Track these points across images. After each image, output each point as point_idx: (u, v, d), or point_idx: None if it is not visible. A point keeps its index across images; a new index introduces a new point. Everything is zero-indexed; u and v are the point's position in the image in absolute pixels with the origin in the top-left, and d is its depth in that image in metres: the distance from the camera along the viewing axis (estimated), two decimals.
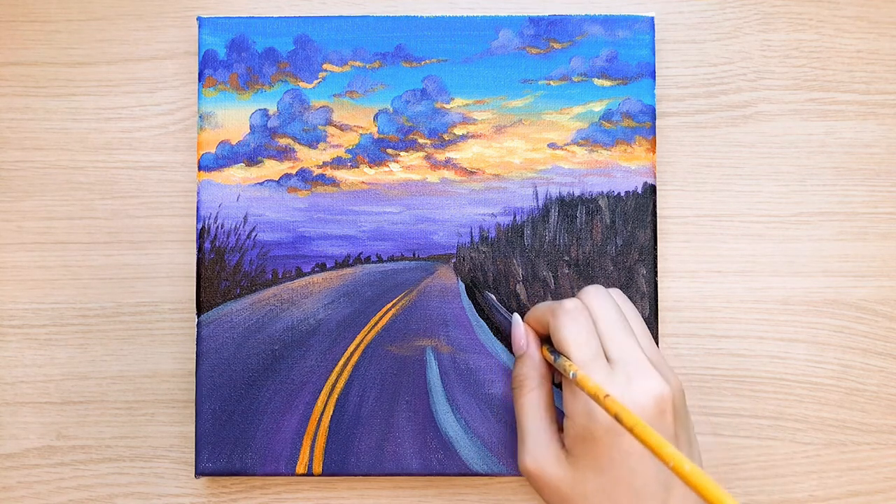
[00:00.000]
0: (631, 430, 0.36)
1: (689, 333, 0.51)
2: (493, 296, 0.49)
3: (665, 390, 0.40)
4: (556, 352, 0.43)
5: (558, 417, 0.44)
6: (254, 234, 0.49)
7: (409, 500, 0.50)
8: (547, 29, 0.50)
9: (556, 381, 0.46)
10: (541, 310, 0.45)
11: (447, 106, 0.50)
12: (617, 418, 0.36)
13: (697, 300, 0.51)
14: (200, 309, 0.49)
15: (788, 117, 0.51)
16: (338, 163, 0.50)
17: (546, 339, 0.46)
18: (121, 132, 0.51)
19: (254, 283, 0.49)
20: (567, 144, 0.49)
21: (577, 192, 0.49)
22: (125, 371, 0.51)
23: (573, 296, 0.48)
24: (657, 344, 0.48)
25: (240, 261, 0.49)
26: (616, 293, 0.45)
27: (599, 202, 0.49)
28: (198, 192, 0.49)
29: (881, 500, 0.50)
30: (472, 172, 0.50)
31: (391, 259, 0.49)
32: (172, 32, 0.52)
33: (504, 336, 0.49)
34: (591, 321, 0.42)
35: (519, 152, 0.50)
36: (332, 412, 0.48)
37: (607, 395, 0.38)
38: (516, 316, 0.47)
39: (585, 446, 0.40)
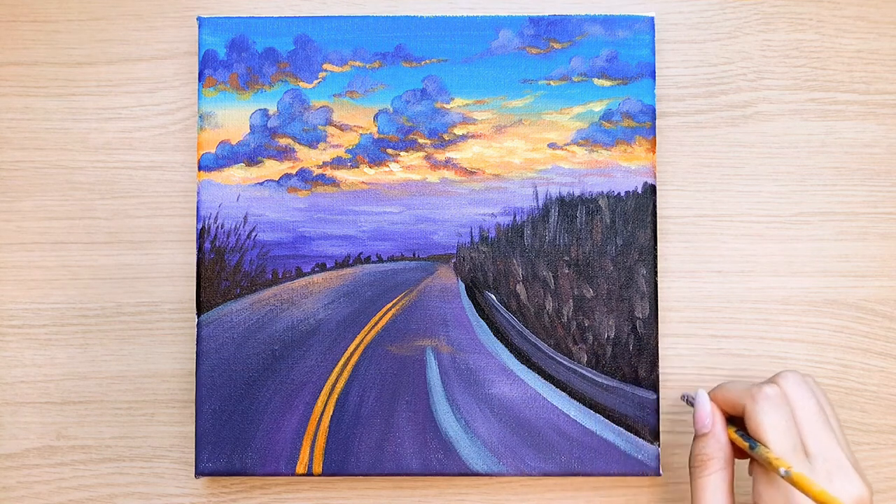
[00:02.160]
0: None
1: (689, 333, 0.51)
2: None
3: (864, 494, 0.39)
4: (751, 438, 0.41)
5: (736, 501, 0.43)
6: (254, 234, 0.49)
7: (409, 500, 0.50)
8: (547, 29, 0.50)
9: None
10: (734, 391, 0.44)
11: (447, 106, 0.50)
12: None
13: (697, 300, 0.51)
14: (200, 309, 0.49)
15: (788, 117, 0.51)
16: (338, 163, 0.50)
17: (731, 419, 0.44)
18: (121, 132, 0.51)
19: (254, 283, 0.49)
20: (567, 144, 0.49)
21: (577, 192, 0.49)
22: (125, 371, 0.51)
23: (573, 295, 0.48)
24: (657, 344, 0.48)
25: (240, 261, 0.49)
26: (811, 380, 0.44)
27: (599, 202, 0.49)
28: (198, 192, 0.49)
29: (881, 500, 0.50)
30: (472, 172, 0.50)
31: (391, 259, 0.49)
32: (172, 32, 0.52)
33: (504, 336, 0.49)
34: (791, 411, 0.41)
35: (519, 152, 0.50)
36: (332, 412, 0.48)
37: (819, 488, 0.37)
38: (702, 392, 0.45)
39: None
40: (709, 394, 0.45)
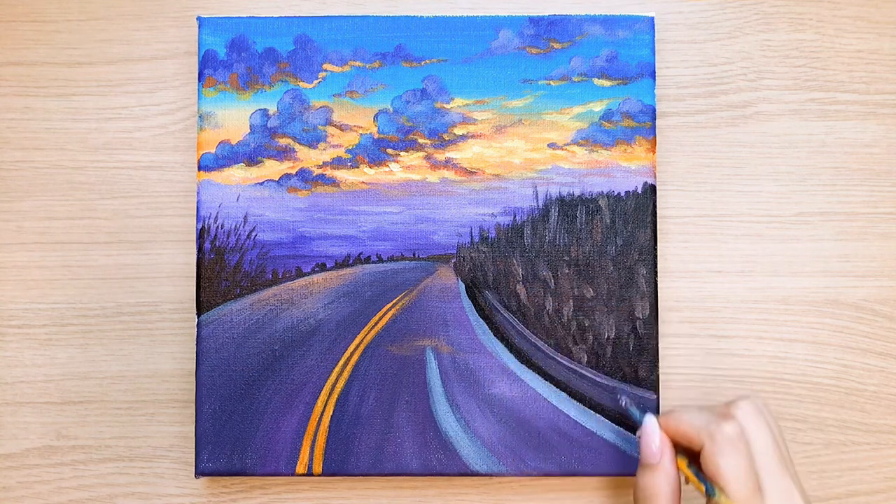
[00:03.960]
0: None
1: (689, 333, 0.51)
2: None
3: None
4: (707, 481, 0.41)
5: None
6: (254, 234, 0.49)
7: (409, 500, 0.50)
8: (547, 29, 0.50)
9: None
10: (690, 424, 0.42)
11: (447, 106, 0.50)
12: None
13: (697, 300, 0.51)
14: (200, 309, 0.49)
15: (788, 117, 0.51)
16: (338, 163, 0.50)
17: (680, 449, 0.43)
18: (121, 132, 0.51)
19: (254, 283, 0.49)
20: (567, 144, 0.49)
21: (577, 192, 0.49)
22: (125, 371, 0.51)
23: (573, 295, 0.48)
24: (657, 344, 0.48)
25: (240, 261, 0.49)
26: (763, 406, 0.43)
27: (599, 202, 0.49)
28: (198, 192, 0.49)
29: (881, 500, 0.50)
30: (472, 172, 0.50)
31: (391, 259, 0.49)
32: (172, 32, 0.52)
33: (504, 336, 0.49)
34: (750, 450, 0.41)
35: (519, 152, 0.50)
36: (332, 412, 0.48)
37: None
38: (651, 418, 0.43)
39: None
40: (660, 421, 0.43)
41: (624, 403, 0.46)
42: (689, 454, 0.43)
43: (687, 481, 0.43)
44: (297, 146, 0.50)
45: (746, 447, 0.41)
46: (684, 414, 0.43)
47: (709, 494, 0.41)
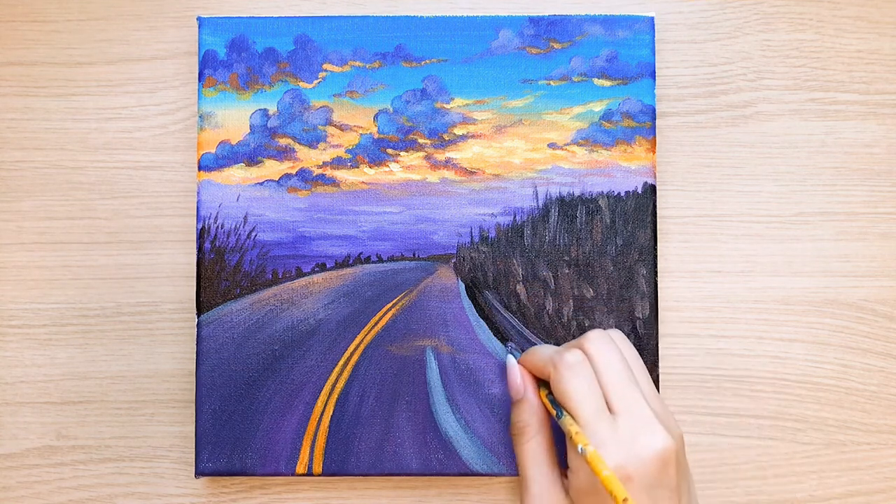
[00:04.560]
0: None
1: (689, 333, 0.51)
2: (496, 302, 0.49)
3: (669, 444, 0.39)
4: (558, 405, 0.42)
5: (560, 462, 0.44)
6: (254, 234, 0.49)
7: (409, 500, 0.50)
8: (547, 29, 0.50)
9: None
10: (540, 357, 0.44)
11: (447, 106, 0.50)
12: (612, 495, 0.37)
13: (697, 300, 0.51)
14: (200, 309, 0.49)
15: (788, 117, 0.51)
16: (338, 163, 0.50)
17: (543, 382, 0.45)
18: (121, 132, 0.51)
19: (254, 283, 0.49)
20: (567, 144, 0.49)
21: (577, 192, 0.49)
22: (125, 371, 0.51)
23: (573, 295, 0.48)
24: (657, 344, 0.48)
25: (240, 261, 0.49)
26: (617, 336, 0.45)
27: (599, 202, 0.49)
28: (198, 192, 0.49)
29: (881, 500, 0.50)
30: (472, 172, 0.50)
31: (391, 259, 0.49)
32: (172, 32, 0.52)
33: (504, 336, 0.49)
34: (594, 373, 0.42)
35: (519, 152, 0.50)
36: (332, 412, 0.48)
37: (608, 472, 0.38)
38: (511, 358, 0.46)
39: (589, 499, 0.40)
40: (518, 360, 0.46)
41: (509, 350, 0.48)
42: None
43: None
44: (297, 146, 0.50)
45: (590, 370, 0.42)
46: (538, 349, 0.45)
47: (558, 417, 0.42)
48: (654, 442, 0.39)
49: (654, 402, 0.42)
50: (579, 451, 0.39)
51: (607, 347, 0.43)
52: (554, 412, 0.42)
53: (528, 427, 0.44)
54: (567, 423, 0.41)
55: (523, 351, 0.47)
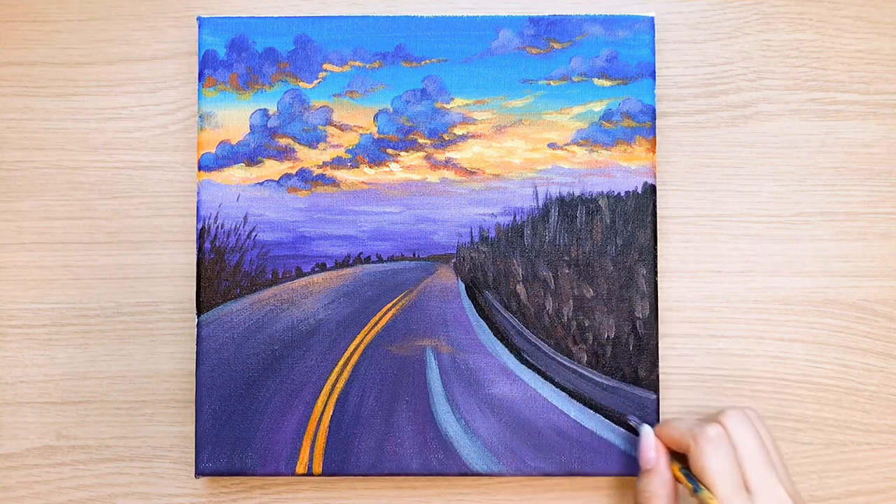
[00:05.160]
0: None
1: (689, 333, 0.51)
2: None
3: None
4: (694, 478, 0.43)
5: None
6: (254, 234, 0.49)
7: (409, 500, 0.50)
8: (547, 29, 0.50)
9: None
10: (677, 430, 0.45)
11: (447, 106, 0.50)
12: None
13: (697, 300, 0.51)
14: (200, 309, 0.49)
15: (788, 117, 0.51)
16: (338, 163, 0.50)
17: (675, 455, 0.45)
18: (121, 132, 0.51)
19: (254, 283, 0.49)
20: (567, 144, 0.49)
21: (577, 192, 0.49)
22: (125, 371, 0.51)
23: (573, 295, 0.48)
24: (657, 344, 0.48)
25: (240, 261, 0.49)
26: (753, 414, 0.45)
27: (599, 202, 0.49)
28: (198, 192, 0.49)
29: (881, 500, 0.50)
30: (472, 172, 0.50)
31: (391, 259, 0.49)
32: (172, 32, 0.52)
33: (504, 336, 0.49)
34: (733, 450, 0.43)
35: (519, 152, 0.50)
36: (332, 412, 0.48)
37: None
38: (647, 427, 0.46)
39: None
40: (654, 429, 0.46)
41: (633, 423, 0.48)
42: (683, 459, 0.45)
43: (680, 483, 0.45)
44: (297, 146, 0.50)
45: (729, 447, 0.43)
46: (676, 421, 0.46)
47: (695, 492, 0.42)
48: None
49: (787, 484, 0.43)
50: None
51: (746, 426, 0.44)
52: (690, 486, 0.43)
53: (657, 499, 0.44)
54: (706, 497, 0.42)
55: (646, 422, 0.47)
